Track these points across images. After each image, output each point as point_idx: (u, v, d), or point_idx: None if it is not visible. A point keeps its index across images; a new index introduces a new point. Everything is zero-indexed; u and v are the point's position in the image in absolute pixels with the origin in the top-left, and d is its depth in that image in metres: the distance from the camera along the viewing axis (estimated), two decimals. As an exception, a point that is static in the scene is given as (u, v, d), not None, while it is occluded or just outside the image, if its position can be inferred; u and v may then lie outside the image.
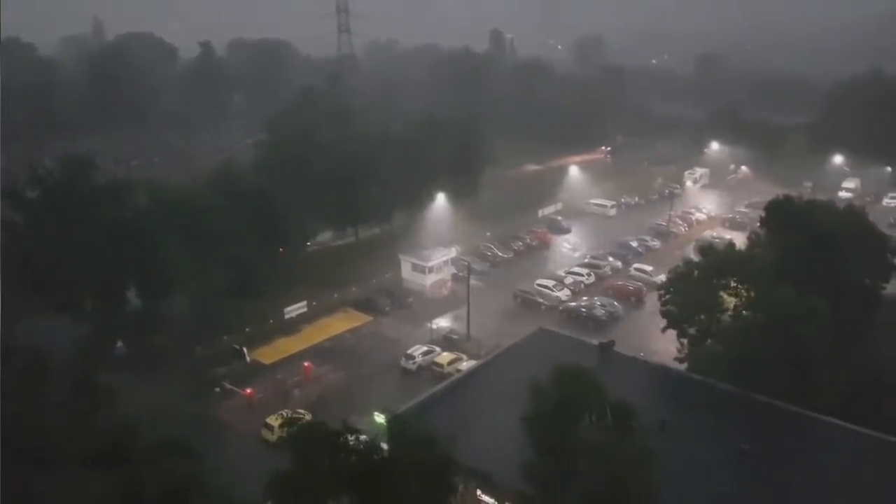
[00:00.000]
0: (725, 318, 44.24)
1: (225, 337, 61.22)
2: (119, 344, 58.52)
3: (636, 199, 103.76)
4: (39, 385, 42.11)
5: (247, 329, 62.88)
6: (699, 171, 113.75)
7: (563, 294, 70.23)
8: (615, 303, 67.79)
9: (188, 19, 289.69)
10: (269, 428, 48.18)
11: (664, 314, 46.94)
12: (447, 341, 61.64)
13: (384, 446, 28.78)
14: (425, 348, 59.35)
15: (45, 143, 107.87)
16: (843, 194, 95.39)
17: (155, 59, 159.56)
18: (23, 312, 52.71)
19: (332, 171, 75.07)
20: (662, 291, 48.72)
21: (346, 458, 27.67)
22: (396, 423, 29.95)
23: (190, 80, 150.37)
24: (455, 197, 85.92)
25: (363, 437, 28.70)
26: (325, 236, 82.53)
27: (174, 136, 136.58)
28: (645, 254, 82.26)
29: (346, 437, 28.11)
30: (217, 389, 54.80)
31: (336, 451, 27.71)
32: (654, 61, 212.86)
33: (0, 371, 39.43)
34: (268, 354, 60.37)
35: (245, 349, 59.38)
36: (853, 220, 51.21)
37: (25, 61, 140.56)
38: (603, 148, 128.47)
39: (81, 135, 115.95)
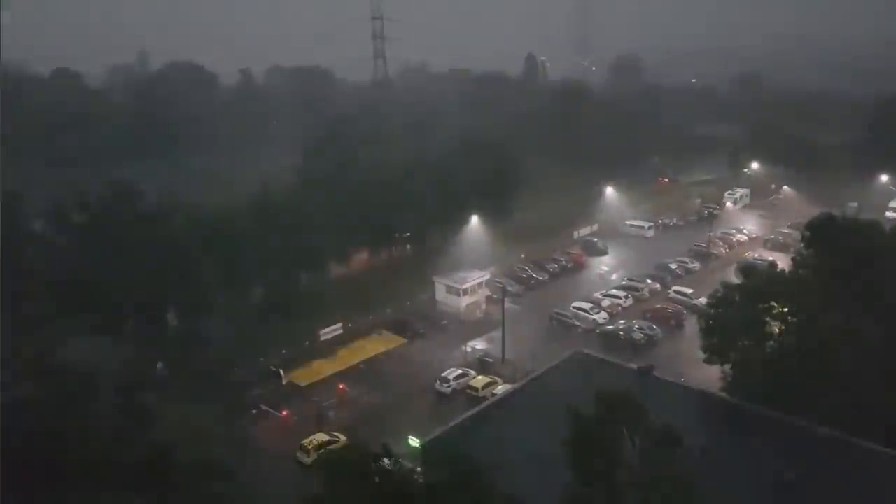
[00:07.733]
0: (770, 343, 42.96)
1: (262, 359, 61.80)
2: (159, 365, 59.59)
3: (674, 219, 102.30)
4: (83, 405, 42.99)
5: (283, 351, 63.40)
6: (739, 191, 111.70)
7: (600, 317, 69.34)
8: (654, 326, 66.58)
9: (228, 47, 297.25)
10: (305, 450, 48.40)
11: (705, 340, 45.69)
12: (482, 364, 61.22)
13: (418, 470, 28.47)
14: (460, 371, 59.03)
15: (92, 169, 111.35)
16: (890, 214, 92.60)
17: (196, 86, 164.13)
18: (68, 333, 54.08)
19: (368, 195, 75.80)
20: (703, 316, 47.57)
21: (379, 483, 27.20)
22: (431, 448, 29.58)
23: (230, 106, 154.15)
24: (490, 218, 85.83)
25: (396, 461, 28.30)
26: (361, 258, 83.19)
27: (214, 162, 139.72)
28: (684, 276, 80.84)
29: (378, 462, 27.66)
30: (254, 411, 55.31)
31: (367, 476, 27.26)
32: (693, 81, 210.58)
33: (45, 391, 40.40)
34: (304, 376, 60.68)
35: (281, 371, 59.93)
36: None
37: (73, 91, 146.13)
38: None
39: (127, 162, 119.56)
